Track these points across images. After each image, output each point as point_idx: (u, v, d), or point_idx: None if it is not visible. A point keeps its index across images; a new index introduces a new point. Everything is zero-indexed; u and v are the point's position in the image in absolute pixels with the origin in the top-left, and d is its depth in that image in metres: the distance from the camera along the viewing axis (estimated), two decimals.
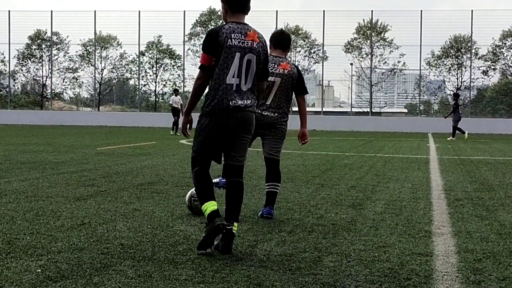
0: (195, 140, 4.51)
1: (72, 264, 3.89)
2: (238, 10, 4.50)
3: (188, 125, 4.60)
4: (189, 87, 44.92)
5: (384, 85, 44.28)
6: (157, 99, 45.90)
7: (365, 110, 43.65)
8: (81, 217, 5.54)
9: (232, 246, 4.32)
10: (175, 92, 27.46)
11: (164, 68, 45.21)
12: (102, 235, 4.80)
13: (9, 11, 42.27)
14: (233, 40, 4.37)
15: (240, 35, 4.41)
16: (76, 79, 45.74)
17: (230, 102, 4.36)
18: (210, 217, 4.29)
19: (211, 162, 4.54)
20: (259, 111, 5.62)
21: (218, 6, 68.80)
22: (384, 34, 42.01)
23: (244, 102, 4.41)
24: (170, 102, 27.22)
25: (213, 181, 5.15)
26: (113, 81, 46.74)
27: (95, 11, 42.26)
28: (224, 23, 4.51)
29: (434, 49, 41.39)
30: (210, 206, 4.33)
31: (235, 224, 4.39)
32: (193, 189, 6.05)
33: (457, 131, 25.15)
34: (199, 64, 4.45)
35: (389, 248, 4.52)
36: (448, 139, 24.67)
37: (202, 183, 4.44)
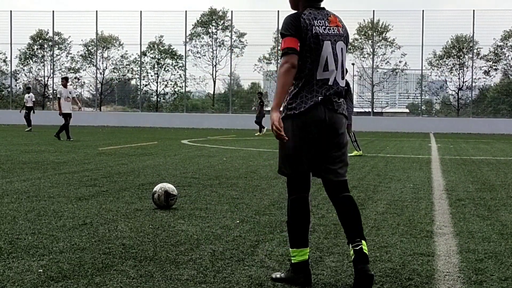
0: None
1: (73, 264, 3.89)
2: None
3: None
4: (191, 87, 45.01)
5: (386, 85, 44.24)
6: (158, 99, 45.90)
7: (367, 110, 43.62)
8: (83, 217, 5.55)
9: (369, 269, 3.47)
10: (28, 90, 29.83)
11: (165, 68, 45.22)
12: (104, 235, 4.80)
13: (11, 11, 42.31)
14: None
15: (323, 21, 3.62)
16: (78, 79, 45.76)
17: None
18: (296, 268, 3.61)
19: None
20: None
21: (219, 6, 68.73)
22: (385, 34, 42.00)
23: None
24: (24, 101, 28.53)
25: None
26: (115, 81, 46.73)
27: (96, 11, 42.28)
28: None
29: (436, 49, 41.40)
30: (300, 255, 3.61)
31: (363, 242, 3.54)
32: (166, 184, 6.17)
33: (262, 127, 27.73)
34: None
35: (391, 248, 4.51)
36: (256, 134, 27.01)
37: (298, 218, 3.63)
